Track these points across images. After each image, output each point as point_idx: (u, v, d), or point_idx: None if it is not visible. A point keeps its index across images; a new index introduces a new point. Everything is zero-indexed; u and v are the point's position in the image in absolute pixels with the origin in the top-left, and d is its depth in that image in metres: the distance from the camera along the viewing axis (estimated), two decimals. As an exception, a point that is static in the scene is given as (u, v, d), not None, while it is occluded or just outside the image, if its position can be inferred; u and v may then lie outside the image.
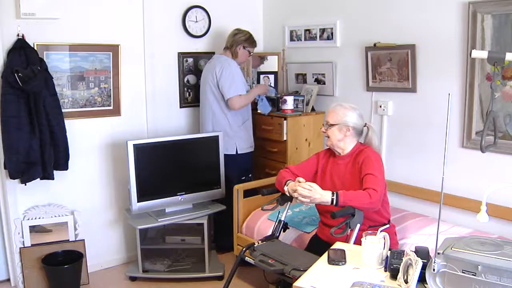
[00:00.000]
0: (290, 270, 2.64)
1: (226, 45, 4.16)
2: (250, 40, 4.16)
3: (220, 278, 3.85)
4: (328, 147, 3.07)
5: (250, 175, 4.23)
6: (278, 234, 3.11)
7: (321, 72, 4.32)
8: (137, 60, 4.06)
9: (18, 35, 3.41)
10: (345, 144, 2.97)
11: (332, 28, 4.17)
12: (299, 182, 2.84)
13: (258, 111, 4.22)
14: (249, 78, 4.60)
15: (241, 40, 4.11)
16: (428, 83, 3.55)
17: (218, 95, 4.04)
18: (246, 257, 2.96)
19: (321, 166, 3.08)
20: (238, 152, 4.14)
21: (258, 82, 4.68)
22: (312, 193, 2.72)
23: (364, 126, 3.01)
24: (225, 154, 4.05)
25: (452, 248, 1.88)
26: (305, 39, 4.45)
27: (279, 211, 3.19)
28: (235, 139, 4.12)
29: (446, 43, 3.38)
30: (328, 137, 2.97)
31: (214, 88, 4.04)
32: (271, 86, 4.50)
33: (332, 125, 2.94)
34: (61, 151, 3.56)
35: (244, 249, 2.99)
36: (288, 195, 2.93)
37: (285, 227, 3.15)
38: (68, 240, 3.74)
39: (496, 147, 2.77)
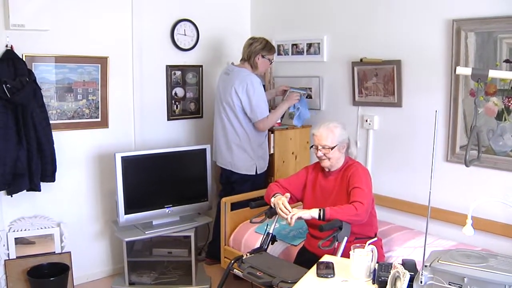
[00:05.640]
0: (278, 282, 2.66)
1: (243, 57, 4.01)
2: (267, 48, 4.00)
3: (207, 290, 3.86)
4: (317, 161, 3.10)
5: None
6: (266, 246, 3.13)
7: (308, 86, 4.37)
8: (126, 73, 4.07)
9: (6, 46, 3.40)
10: (339, 161, 3.02)
11: (319, 43, 4.23)
12: (284, 199, 2.93)
13: (294, 124, 4.12)
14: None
15: (258, 50, 3.95)
16: (413, 98, 3.61)
17: (240, 114, 3.92)
18: (235, 269, 2.97)
19: (310, 181, 3.12)
20: (258, 173, 4.05)
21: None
22: (287, 216, 2.81)
23: None
24: (243, 174, 3.99)
25: (439, 261, 1.92)
26: (292, 54, 4.50)
27: (267, 224, 3.21)
28: (256, 159, 4.02)
29: (431, 59, 3.45)
30: (329, 159, 2.97)
31: (235, 107, 3.90)
32: (300, 91, 4.19)
33: (332, 147, 2.94)
34: (48, 163, 3.54)
35: (232, 261, 3.01)
36: (274, 208, 2.97)
37: (273, 239, 3.17)
38: (54, 252, 3.71)
39: (480, 161, 2.83)
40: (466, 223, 2.11)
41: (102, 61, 3.88)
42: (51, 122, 3.60)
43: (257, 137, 4.01)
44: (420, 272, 1.93)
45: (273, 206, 2.98)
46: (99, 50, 3.87)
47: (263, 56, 3.99)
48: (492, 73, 2.24)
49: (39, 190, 3.54)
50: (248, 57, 3.98)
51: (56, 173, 3.62)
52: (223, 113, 4.00)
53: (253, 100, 3.85)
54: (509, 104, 3.07)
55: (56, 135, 3.63)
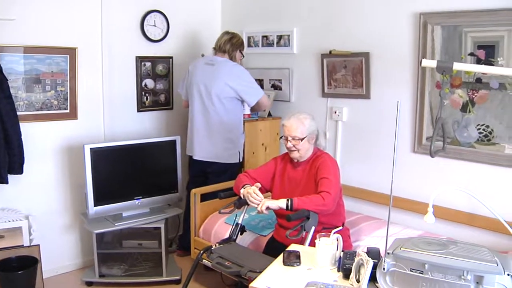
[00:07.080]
0: (247, 272, 2.68)
1: (223, 50, 4.01)
2: (243, 44, 4.16)
3: (177, 282, 3.85)
4: (286, 152, 3.13)
5: None
6: (235, 237, 3.15)
7: (278, 78, 4.39)
8: (95, 64, 4.02)
9: (-29, 35, 3.35)
10: (308, 152, 3.04)
11: (289, 35, 4.25)
12: (255, 187, 2.95)
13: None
14: None
15: (238, 45, 4.06)
16: (381, 90, 3.66)
17: (228, 104, 3.93)
18: (204, 260, 2.99)
19: (279, 171, 3.15)
20: (240, 160, 4.10)
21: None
22: (258, 205, 2.83)
23: None
24: (222, 165, 4.00)
25: (401, 248, 1.97)
26: (263, 45, 4.52)
27: (236, 215, 3.23)
28: (239, 147, 4.06)
29: (398, 52, 3.51)
30: (298, 150, 2.99)
31: (224, 98, 3.90)
32: None
33: (302, 138, 2.96)
34: (16, 155, 3.49)
35: (201, 251, 3.02)
36: (243, 198, 2.99)
37: (242, 230, 3.19)
38: (23, 245, 3.66)
39: (445, 152, 2.88)
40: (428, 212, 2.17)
41: (70, 52, 3.83)
42: (18, 113, 3.54)
43: (240, 125, 4.05)
44: (383, 259, 1.97)
45: (242, 197, 3.00)
46: (68, 41, 3.82)
47: (240, 51, 4.09)
48: (457, 66, 2.28)
49: (7, 183, 3.49)
50: (230, 51, 4.02)
51: (24, 165, 3.57)
52: (209, 105, 3.95)
53: (250, 83, 3.95)
54: (474, 96, 3.14)
55: (24, 126, 3.57)
